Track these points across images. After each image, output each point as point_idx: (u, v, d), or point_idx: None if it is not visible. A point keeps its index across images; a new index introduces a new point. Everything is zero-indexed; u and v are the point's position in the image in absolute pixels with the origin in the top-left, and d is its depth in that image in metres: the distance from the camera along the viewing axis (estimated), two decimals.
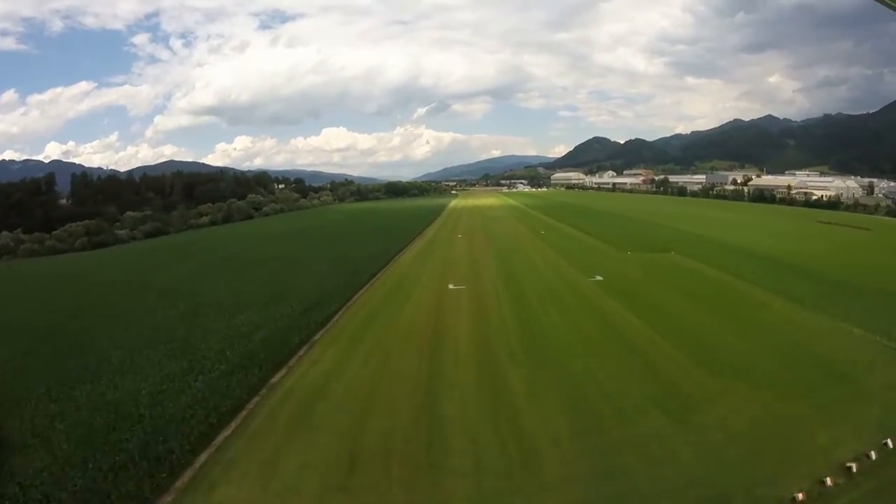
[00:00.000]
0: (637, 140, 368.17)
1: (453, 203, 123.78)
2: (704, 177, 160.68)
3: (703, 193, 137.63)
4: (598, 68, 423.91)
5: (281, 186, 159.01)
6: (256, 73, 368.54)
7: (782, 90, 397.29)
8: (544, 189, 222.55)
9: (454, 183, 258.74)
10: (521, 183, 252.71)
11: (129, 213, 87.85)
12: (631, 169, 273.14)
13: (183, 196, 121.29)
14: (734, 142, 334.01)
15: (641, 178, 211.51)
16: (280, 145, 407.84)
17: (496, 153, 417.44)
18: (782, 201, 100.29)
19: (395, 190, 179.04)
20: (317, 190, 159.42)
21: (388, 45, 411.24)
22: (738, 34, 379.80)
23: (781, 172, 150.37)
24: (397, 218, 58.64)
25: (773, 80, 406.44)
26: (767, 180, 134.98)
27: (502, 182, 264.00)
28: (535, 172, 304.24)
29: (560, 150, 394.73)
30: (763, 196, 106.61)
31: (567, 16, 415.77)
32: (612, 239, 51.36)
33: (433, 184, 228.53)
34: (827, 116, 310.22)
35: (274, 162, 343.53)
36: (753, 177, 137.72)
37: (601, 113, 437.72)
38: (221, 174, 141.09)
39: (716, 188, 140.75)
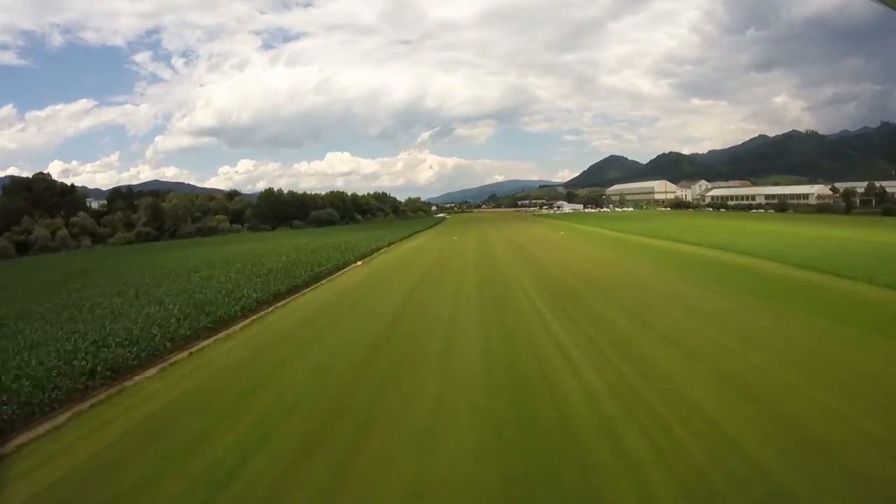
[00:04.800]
0: (673, 154, 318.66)
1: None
2: None
3: None
4: (604, 90, 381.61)
5: None
6: (257, 94, 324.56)
7: (790, 109, 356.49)
8: (629, 209, 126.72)
9: (451, 205, 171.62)
10: (563, 203, 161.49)
11: None
12: (679, 182, 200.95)
13: None
14: (791, 154, 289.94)
15: (761, 190, 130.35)
16: (283, 168, 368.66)
17: (500, 178, 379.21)
18: None
19: (276, 212, 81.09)
20: (94, 213, 70.39)
21: (391, 66, 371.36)
22: (748, 52, 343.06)
23: None
24: None
25: (779, 99, 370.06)
26: None
27: (520, 203, 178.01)
28: (555, 192, 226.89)
29: (565, 175, 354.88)
30: None
31: (574, 36, 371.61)
32: None
33: (387, 199, 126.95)
34: (886, 124, 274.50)
35: (277, 185, 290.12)
36: None
37: (605, 137, 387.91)
38: None
39: None
